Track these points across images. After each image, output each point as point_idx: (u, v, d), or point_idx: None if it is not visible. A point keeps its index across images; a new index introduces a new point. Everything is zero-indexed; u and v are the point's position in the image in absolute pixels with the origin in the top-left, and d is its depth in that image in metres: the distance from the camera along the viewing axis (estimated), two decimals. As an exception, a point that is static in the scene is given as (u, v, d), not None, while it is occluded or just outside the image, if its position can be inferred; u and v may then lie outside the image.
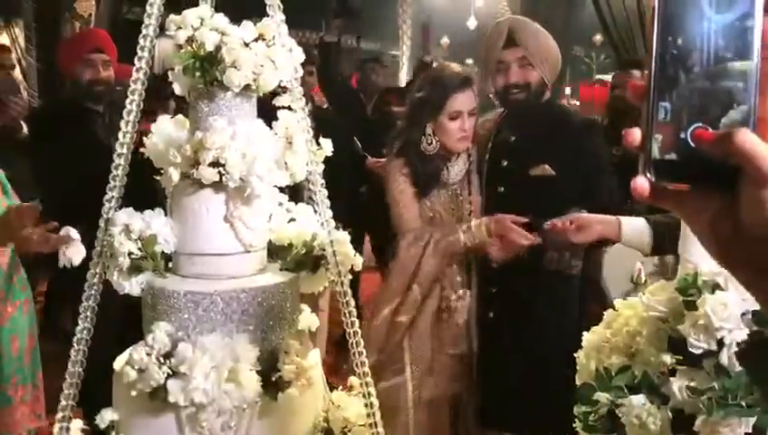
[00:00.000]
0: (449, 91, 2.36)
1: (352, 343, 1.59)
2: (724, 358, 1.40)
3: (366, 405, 1.60)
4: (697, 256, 1.60)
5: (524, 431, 2.38)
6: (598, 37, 8.85)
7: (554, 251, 2.30)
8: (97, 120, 3.10)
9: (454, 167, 2.46)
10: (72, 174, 2.90)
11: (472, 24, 10.38)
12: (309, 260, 1.64)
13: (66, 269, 1.94)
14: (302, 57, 1.61)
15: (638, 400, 1.49)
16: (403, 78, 8.00)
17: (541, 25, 2.46)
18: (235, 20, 1.55)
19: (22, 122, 3.67)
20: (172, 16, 1.50)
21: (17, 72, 5.25)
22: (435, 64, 3.77)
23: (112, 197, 1.50)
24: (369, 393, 1.59)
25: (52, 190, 3.16)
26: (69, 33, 5.88)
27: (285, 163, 1.57)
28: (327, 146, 1.64)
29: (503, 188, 2.42)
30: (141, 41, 1.51)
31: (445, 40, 11.37)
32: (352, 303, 1.60)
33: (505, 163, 2.43)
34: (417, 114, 2.42)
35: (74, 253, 2.49)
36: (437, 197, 2.44)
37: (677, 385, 1.47)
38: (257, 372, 1.45)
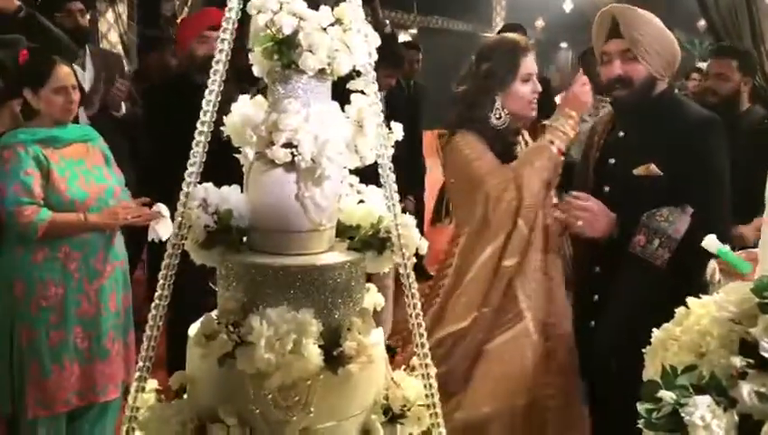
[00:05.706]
0: (520, 54, 2.32)
1: (413, 324, 1.62)
2: (797, 364, 1.35)
3: (425, 386, 1.63)
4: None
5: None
6: (702, 23, 8.39)
7: (642, 235, 2.15)
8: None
9: (523, 142, 2.42)
10: (183, 148, 3.02)
11: (567, 6, 10.13)
12: (375, 241, 1.68)
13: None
14: (378, 42, 1.64)
15: (704, 400, 1.45)
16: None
17: (641, 7, 2.25)
18: (313, 6, 1.59)
19: (122, 104, 3.89)
20: (253, 0, 1.55)
21: (120, 50, 5.54)
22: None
23: (192, 172, 1.59)
24: (428, 375, 1.62)
25: (161, 164, 3.29)
26: (169, 12, 6.14)
27: (355, 146, 1.61)
28: (398, 130, 1.66)
29: (608, 188, 2.29)
30: (224, 24, 1.57)
31: (539, 22, 11.13)
32: (415, 285, 1.63)
33: (612, 161, 2.30)
34: (484, 86, 2.33)
35: (163, 229, 2.76)
36: None
37: (747, 389, 1.42)
38: (320, 346, 1.50)
